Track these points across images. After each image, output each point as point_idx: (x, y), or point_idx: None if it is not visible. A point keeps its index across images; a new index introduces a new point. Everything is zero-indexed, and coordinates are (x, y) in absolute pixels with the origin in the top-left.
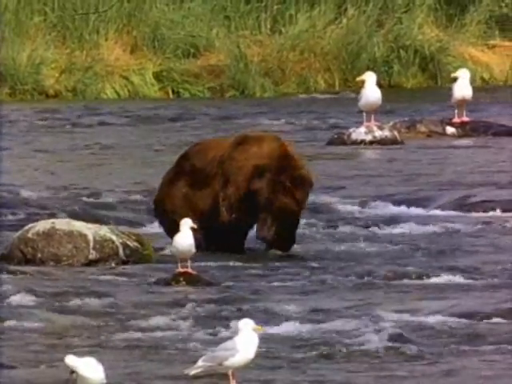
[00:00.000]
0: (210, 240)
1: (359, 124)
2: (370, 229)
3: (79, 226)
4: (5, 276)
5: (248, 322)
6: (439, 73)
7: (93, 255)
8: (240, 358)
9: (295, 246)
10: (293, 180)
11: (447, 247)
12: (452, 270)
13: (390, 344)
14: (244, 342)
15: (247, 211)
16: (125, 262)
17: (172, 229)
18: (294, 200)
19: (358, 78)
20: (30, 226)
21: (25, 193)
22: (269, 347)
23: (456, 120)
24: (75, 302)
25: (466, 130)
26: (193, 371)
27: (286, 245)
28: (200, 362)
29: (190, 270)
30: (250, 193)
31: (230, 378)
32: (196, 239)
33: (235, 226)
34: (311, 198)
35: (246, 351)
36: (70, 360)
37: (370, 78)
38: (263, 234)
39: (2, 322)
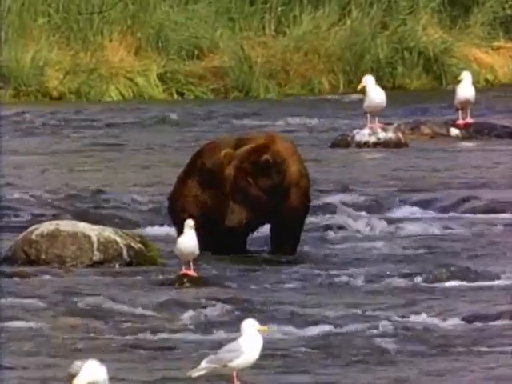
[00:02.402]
0: (215, 240)
1: (363, 126)
2: (374, 230)
3: (83, 227)
4: (9, 277)
5: (252, 323)
6: (443, 74)
7: (97, 257)
8: (244, 359)
9: (299, 246)
10: (255, 166)
11: (451, 249)
12: (455, 271)
13: (392, 345)
14: (248, 343)
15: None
16: (129, 264)
17: (182, 228)
18: (257, 186)
19: (359, 87)
20: (33, 227)
21: (29, 194)
22: (272, 348)
23: (460, 122)
24: (79, 303)
25: (469, 131)
26: (196, 373)
27: (291, 247)
28: (203, 364)
29: (191, 272)
30: (222, 180)
31: (234, 379)
32: (200, 240)
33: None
34: (315, 199)
35: (250, 352)
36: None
37: (369, 81)
38: (228, 222)
39: (6, 322)
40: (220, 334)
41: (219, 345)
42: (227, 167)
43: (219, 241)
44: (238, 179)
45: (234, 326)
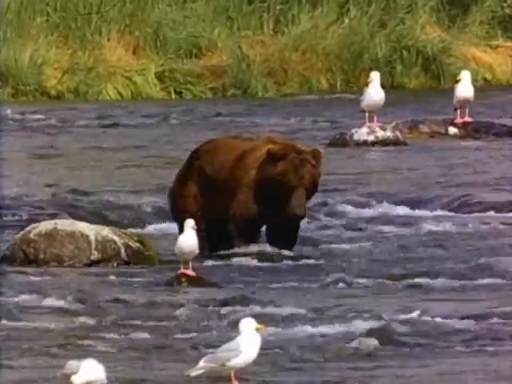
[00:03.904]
0: (215, 241)
1: (361, 124)
2: (372, 229)
3: (81, 226)
4: (7, 276)
5: (250, 322)
6: (442, 73)
7: (95, 256)
8: (243, 358)
9: (297, 246)
10: (313, 156)
11: (449, 247)
12: (453, 270)
13: (390, 344)
14: (246, 342)
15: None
16: (127, 263)
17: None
18: (317, 172)
19: (368, 80)
20: (32, 226)
21: (27, 193)
22: (270, 347)
23: (458, 120)
24: (77, 302)
25: (468, 130)
26: (195, 372)
27: (289, 247)
28: (202, 363)
29: (189, 271)
30: (269, 180)
31: (233, 378)
32: (200, 240)
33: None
34: (313, 197)
35: (249, 352)
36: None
37: (376, 78)
38: (300, 211)
39: (4, 322)
40: (218, 333)
41: (217, 344)
42: (277, 164)
43: (218, 242)
44: (307, 168)
45: (232, 325)
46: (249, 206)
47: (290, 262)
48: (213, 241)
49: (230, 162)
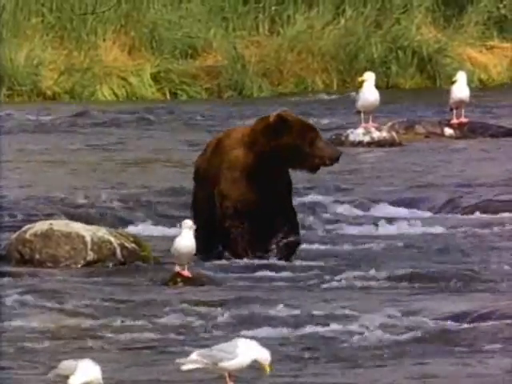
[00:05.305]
0: (210, 240)
1: (357, 125)
2: (369, 230)
3: (77, 227)
4: (2, 277)
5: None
6: (437, 74)
7: (90, 256)
8: (237, 362)
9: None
10: None
11: (445, 249)
12: (451, 271)
13: (389, 345)
14: (244, 346)
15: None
16: (122, 264)
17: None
18: None
19: (359, 79)
20: (27, 226)
21: (23, 194)
22: (268, 347)
23: (454, 121)
24: (73, 303)
25: (464, 131)
26: (188, 365)
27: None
28: (195, 356)
29: (185, 272)
30: (288, 143)
31: (227, 378)
32: (197, 240)
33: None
34: (310, 198)
35: (244, 356)
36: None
37: (369, 79)
38: (338, 152)
39: (0, 322)
40: (214, 334)
41: (213, 344)
42: (290, 127)
43: (213, 241)
44: (310, 124)
45: (228, 325)
46: (235, 189)
47: (287, 262)
48: (210, 241)
49: (208, 154)
